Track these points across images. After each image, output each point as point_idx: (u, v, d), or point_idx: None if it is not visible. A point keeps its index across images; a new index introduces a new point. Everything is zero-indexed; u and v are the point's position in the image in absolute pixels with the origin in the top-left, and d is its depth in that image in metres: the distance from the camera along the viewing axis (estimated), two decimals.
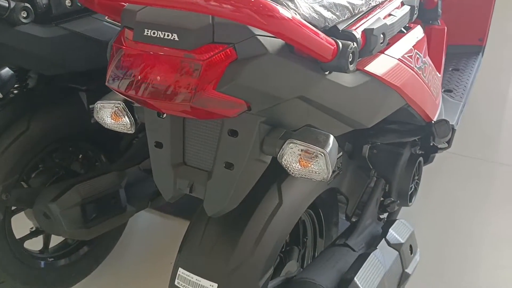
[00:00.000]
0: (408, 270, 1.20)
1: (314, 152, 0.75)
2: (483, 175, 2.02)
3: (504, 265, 1.63)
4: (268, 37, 0.71)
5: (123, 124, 0.92)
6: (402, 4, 1.02)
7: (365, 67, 0.89)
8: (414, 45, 1.07)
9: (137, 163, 1.55)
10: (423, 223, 1.79)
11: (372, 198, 1.29)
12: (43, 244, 1.61)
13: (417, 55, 1.08)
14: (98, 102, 0.94)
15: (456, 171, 2.04)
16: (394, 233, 1.20)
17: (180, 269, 0.96)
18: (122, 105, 0.90)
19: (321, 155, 0.75)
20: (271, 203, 0.99)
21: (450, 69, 1.79)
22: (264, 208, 0.98)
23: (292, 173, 0.79)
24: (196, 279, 0.93)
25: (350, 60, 0.77)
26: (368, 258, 1.06)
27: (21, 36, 1.17)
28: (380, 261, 1.08)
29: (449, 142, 1.37)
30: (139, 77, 0.71)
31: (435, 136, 1.23)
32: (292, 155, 0.76)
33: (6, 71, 1.16)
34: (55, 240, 1.65)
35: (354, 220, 1.29)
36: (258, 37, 0.70)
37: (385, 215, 1.45)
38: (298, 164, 0.77)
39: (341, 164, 1.22)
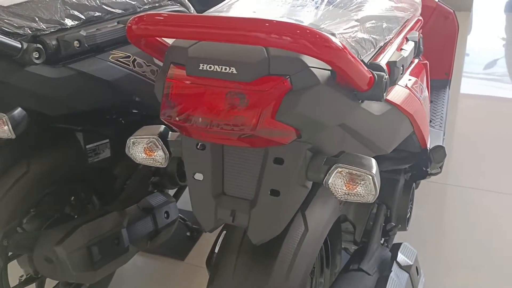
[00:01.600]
0: None
1: (361, 175, 0.80)
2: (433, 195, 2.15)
3: None
4: (318, 68, 0.76)
5: (157, 159, 0.94)
6: (407, 40, 1.12)
7: (387, 96, 0.96)
8: (419, 77, 1.16)
9: (135, 202, 1.54)
10: None
11: (377, 223, 1.35)
12: None
13: (421, 86, 1.18)
14: (131, 138, 0.95)
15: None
16: (403, 256, 1.25)
17: None
18: (156, 139, 0.92)
19: (369, 177, 0.79)
20: (299, 230, 1.02)
21: None
22: (292, 236, 1.01)
23: (338, 196, 0.83)
24: None
25: (385, 92, 0.84)
26: (389, 280, 1.10)
27: (32, 77, 1.17)
28: (397, 283, 1.13)
29: (441, 167, 1.46)
30: (197, 109, 0.74)
31: (432, 161, 1.32)
32: (339, 179, 0.81)
33: (19, 111, 1.14)
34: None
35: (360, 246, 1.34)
36: (311, 68, 0.75)
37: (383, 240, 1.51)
38: (344, 187, 0.81)
39: None
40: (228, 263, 0.99)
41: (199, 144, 0.88)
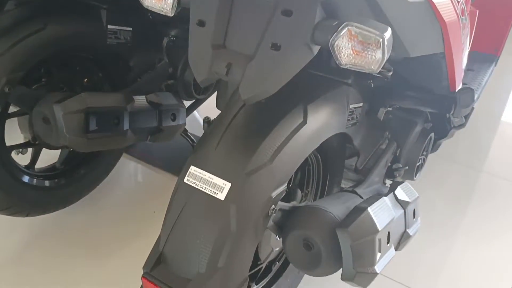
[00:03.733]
0: (410, 231, 1.17)
1: (372, 37, 0.73)
2: (468, 183, 2.04)
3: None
4: None
5: (165, 4, 0.89)
6: None
7: None
8: (467, 8, 1.07)
9: (144, 94, 1.51)
10: None
11: (383, 157, 1.28)
12: (30, 159, 1.54)
13: (463, 5, 1.08)
14: None
15: (442, 176, 2.05)
16: (402, 191, 1.17)
17: (192, 167, 0.92)
18: None
19: (379, 40, 0.73)
20: (296, 120, 0.96)
21: (465, 69, 1.81)
22: (288, 123, 0.95)
23: (341, 61, 0.77)
24: (209, 177, 0.89)
25: None
26: (380, 199, 1.04)
27: None
28: (389, 207, 1.05)
29: (466, 118, 1.37)
30: None
31: (457, 105, 1.23)
32: (346, 40, 0.74)
33: None
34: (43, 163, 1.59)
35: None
36: None
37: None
38: (350, 50, 0.75)
39: (359, 115, 1.20)
40: (214, 136, 0.94)
41: None
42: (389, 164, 1.35)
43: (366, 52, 0.74)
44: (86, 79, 1.60)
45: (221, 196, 0.87)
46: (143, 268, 0.91)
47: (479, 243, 1.70)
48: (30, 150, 1.54)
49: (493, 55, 1.94)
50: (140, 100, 1.47)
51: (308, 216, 0.98)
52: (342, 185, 1.37)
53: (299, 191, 1.22)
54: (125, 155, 2.03)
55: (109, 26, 1.49)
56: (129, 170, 2.00)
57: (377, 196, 1.06)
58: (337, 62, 0.78)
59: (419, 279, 1.52)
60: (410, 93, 1.32)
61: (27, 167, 1.52)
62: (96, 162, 1.70)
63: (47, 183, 1.56)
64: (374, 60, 0.74)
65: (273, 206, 0.91)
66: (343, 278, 0.93)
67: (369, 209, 0.94)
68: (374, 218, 0.94)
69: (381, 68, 1.29)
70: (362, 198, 1.13)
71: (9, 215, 1.47)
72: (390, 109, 1.36)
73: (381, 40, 0.73)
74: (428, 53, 1.03)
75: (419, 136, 1.37)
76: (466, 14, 1.13)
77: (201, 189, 0.89)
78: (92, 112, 1.28)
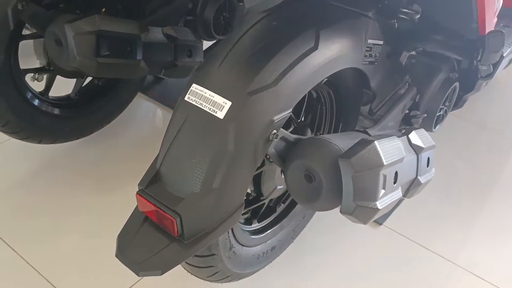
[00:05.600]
0: (421, 179, 1.12)
1: None
2: (501, 151, 1.94)
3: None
4: None
5: None
6: None
7: None
8: None
9: (161, 26, 1.47)
10: None
11: (400, 101, 1.21)
12: (45, 86, 1.54)
13: None
14: None
15: (474, 142, 1.96)
16: (416, 136, 1.11)
17: (194, 84, 0.88)
18: None
19: None
20: (306, 44, 0.91)
21: (501, 24, 1.70)
22: (297, 46, 0.90)
23: None
24: (210, 94, 0.86)
25: None
26: (390, 137, 0.98)
27: None
28: (400, 147, 1.00)
29: (494, 67, 1.28)
30: None
31: (486, 49, 1.14)
32: None
33: None
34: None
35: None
36: None
37: None
38: None
39: (378, 54, 1.14)
40: (219, 55, 0.90)
41: None
42: (407, 111, 1.29)
43: None
44: (104, 9, 1.57)
45: (221, 114, 0.84)
46: (139, 185, 0.89)
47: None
48: (45, 77, 1.53)
49: None
50: (156, 31, 1.43)
51: (311, 147, 0.93)
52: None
53: (309, 130, 1.17)
54: (142, 95, 2.02)
55: None
56: (145, 110, 1.99)
57: (388, 134, 1.00)
58: None
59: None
60: (437, 36, 1.24)
61: (41, 93, 1.52)
62: (111, 96, 1.69)
63: (60, 111, 1.56)
64: None
65: (274, 130, 0.87)
66: (342, 211, 0.89)
67: (376, 142, 0.89)
68: (380, 152, 0.89)
69: (409, 10, 1.22)
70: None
71: (20, 139, 1.48)
72: (413, 53, 1.29)
73: None
74: None
75: (442, 84, 1.30)
76: None
77: (200, 106, 0.86)
78: (104, 36, 1.25)
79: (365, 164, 0.87)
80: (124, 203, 1.46)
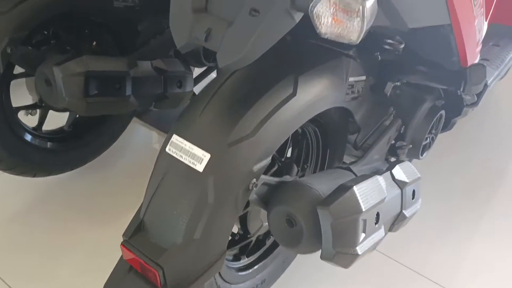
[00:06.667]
0: (406, 213, 1.13)
1: (352, 3, 0.68)
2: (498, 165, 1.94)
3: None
4: None
5: None
6: None
7: None
8: None
9: (150, 59, 1.49)
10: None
11: (385, 134, 1.23)
12: (38, 121, 1.56)
13: None
14: None
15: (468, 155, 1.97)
16: (401, 170, 1.13)
17: (174, 135, 0.90)
18: None
19: (360, 8, 0.68)
20: (285, 91, 0.93)
21: (490, 44, 1.70)
22: (276, 94, 0.92)
23: (321, 30, 0.72)
24: (189, 147, 0.87)
25: None
26: (371, 178, 0.99)
27: None
28: (381, 186, 1.01)
29: (478, 97, 1.29)
30: None
31: (468, 81, 1.16)
32: (327, 7, 0.69)
33: None
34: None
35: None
36: None
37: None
38: (331, 18, 0.70)
39: (361, 89, 1.15)
40: (199, 104, 0.92)
41: None
42: (393, 141, 1.30)
43: (346, 20, 0.69)
44: (94, 43, 1.59)
45: (200, 167, 0.86)
46: (123, 235, 0.91)
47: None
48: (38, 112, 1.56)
49: None
50: (145, 65, 1.45)
51: (292, 192, 0.95)
52: (346, 161, 1.33)
53: (295, 166, 1.18)
54: (137, 120, 2.03)
55: None
56: (140, 136, 2.01)
57: (369, 175, 1.02)
58: (317, 31, 0.73)
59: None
60: (420, 67, 1.26)
61: (34, 128, 1.55)
62: (104, 128, 1.71)
63: (53, 145, 1.58)
64: (353, 29, 0.69)
65: (254, 179, 0.89)
66: (322, 257, 0.91)
67: (354, 187, 0.91)
68: (359, 198, 0.90)
69: (392, 41, 1.24)
70: (356, 175, 1.09)
71: (16, 174, 1.51)
72: (398, 84, 1.30)
73: (361, 8, 0.67)
74: (431, 25, 0.96)
75: (427, 113, 1.31)
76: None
77: (180, 159, 0.87)
78: (93, 76, 1.28)
79: (343, 211, 0.88)
80: (117, 238, 1.48)
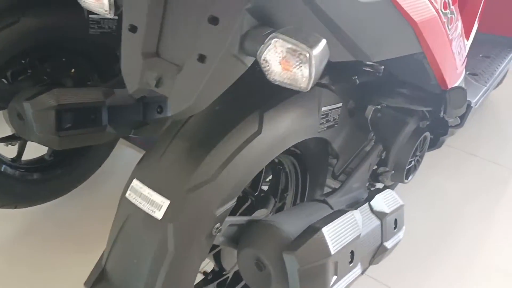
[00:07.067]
0: (387, 245, 1.09)
1: (299, 51, 0.64)
2: (495, 180, 1.89)
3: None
4: None
5: (101, 4, 0.83)
6: None
7: None
8: (455, 2, 0.95)
9: None
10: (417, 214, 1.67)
11: (365, 161, 1.18)
12: (17, 152, 1.54)
13: (452, 12, 0.96)
14: None
15: (467, 171, 1.91)
16: (380, 200, 1.08)
17: (134, 180, 0.87)
18: None
19: (306, 55, 0.64)
20: (249, 130, 0.89)
21: (481, 55, 1.65)
22: (239, 133, 0.88)
23: (270, 77, 0.68)
24: (148, 193, 0.84)
25: None
26: (344, 214, 0.95)
27: None
28: (356, 222, 0.97)
29: (462, 119, 1.24)
30: None
31: (448, 105, 1.11)
32: (274, 54, 0.66)
33: None
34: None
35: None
36: None
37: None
38: (279, 65, 0.66)
39: (338, 117, 1.11)
40: (160, 146, 0.89)
41: None
42: (376, 166, 1.26)
43: (294, 67, 0.65)
44: (73, 70, 1.56)
45: (159, 214, 0.82)
46: (84, 284, 0.88)
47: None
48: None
49: None
50: (122, 92, 1.42)
51: (259, 234, 0.91)
52: (329, 188, 1.29)
53: (272, 199, 1.14)
54: (124, 141, 2.00)
55: (90, 16, 1.44)
56: (126, 158, 1.98)
57: (344, 210, 0.97)
58: (268, 78, 0.69)
59: None
60: (401, 90, 1.21)
61: (13, 160, 1.53)
62: (88, 154, 1.68)
63: (34, 175, 1.56)
64: (302, 77, 0.65)
65: (217, 224, 0.85)
66: None
67: (323, 229, 0.87)
68: (328, 240, 0.86)
69: (374, 62, 1.19)
70: (332, 209, 1.05)
71: None
72: (379, 107, 1.26)
73: (307, 55, 0.63)
74: (401, 55, 0.92)
75: (410, 136, 1.26)
76: (451, 6, 1.00)
77: (140, 206, 0.84)
78: (65, 109, 1.25)
79: (311, 256, 0.84)
80: None
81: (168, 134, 0.90)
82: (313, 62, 0.63)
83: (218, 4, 0.68)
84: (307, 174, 1.22)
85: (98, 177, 1.77)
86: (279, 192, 1.20)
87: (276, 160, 1.18)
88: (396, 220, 1.12)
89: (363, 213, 1.03)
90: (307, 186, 1.24)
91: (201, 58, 0.71)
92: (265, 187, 1.21)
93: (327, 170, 1.24)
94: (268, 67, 0.67)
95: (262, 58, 0.66)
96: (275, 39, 0.65)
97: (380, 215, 1.06)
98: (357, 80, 1.17)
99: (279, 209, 1.22)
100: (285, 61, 0.65)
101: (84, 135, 1.31)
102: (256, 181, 1.12)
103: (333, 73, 1.08)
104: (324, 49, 0.65)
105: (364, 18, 0.78)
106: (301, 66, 0.64)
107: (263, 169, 1.11)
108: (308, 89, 0.67)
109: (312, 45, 0.64)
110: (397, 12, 0.82)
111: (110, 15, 0.84)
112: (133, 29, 0.77)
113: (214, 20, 0.69)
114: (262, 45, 0.66)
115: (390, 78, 1.19)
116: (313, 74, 0.64)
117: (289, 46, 0.64)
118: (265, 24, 0.70)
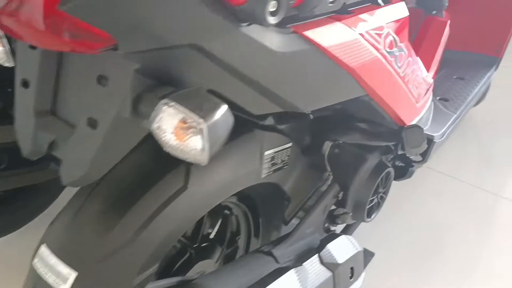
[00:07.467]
0: None
1: (191, 121, 0.55)
2: (478, 205, 1.79)
3: None
4: None
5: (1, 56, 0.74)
6: None
7: (305, 31, 0.68)
8: (388, 22, 0.85)
9: None
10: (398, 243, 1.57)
11: (319, 203, 1.09)
12: None
13: (390, 36, 0.86)
14: None
15: (447, 194, 1.82)
16: (331, 250, 0.99)
17: (42, 246, 0.78)
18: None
19: (197, 127, 0.54)
20: (173, 185, 0.80)
21: (455, 77, 1.56)
22: (162, 190, 0.79)
23: (164, 147, 0.59)
24: (55, 262, 0.75)
25: (272, 9, 0.57)
26: (285, 274, 0.86)
27: None
28: (300, 280, 0.88)
29: (424, 156, 1.15)
30: None
31: (405, 144, 1.02)
32: (167, 122, 0.57)
33: None
34: None
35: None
36: None
37: (339, 228, 1.25)
38: (173, 135, 0.57)
39: (287, 158, 1.02)
40: (73, 207, 0.80)
41: None
42: (334, 207, 1.16)
43: (187, 139, 0.56)
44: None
45: None
46: None
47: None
48: None
49: (494, 57, 1.67)
50: None
51: None
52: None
53: (218, 248, 1.05)
54: None
55: None
56: None
57: (283, 269, 0.88)
58: (164, 149, 0.60)
59: None
60: (360, 125, 1.12)
61: None
62: (36, 191, 1.57)
63: None
64: (197, 150, 0.56)
65: None
66: None
67: None
68: None
69: None
70: (278, 262, 0.96)
71: None
72: (337, 142, 1.16)
73: (199, 127, 0.54)
74: (343, 100, 0.83)
75: (371, 173, 1.16)
76: (400, 44, 0.91)
77: (45, 277, 0.75)
78: None
79: None
80: None
81: (83, 190, 0.81)
82: (205, 133, 0.54)
83: (107, 62, 0.59)
84: (259, 217, 1.13)
85: (59, 203, 1.67)
86: (226, 239, 1.10)
87: (223, 204, 1.09)
88: (352, 268, 1.03)
89: (311, 267, 0.94)
90: (260, 229, 1.15)
91: (92, 122, 0.62)
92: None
93: (282, 212, 1.15)
94: (161, 136, 0.58)
95: (154, 126, 0.57)
96: (165, 106, 0.56)
97: (331, 267, 0.97)
98: (310, 115, 1.08)
99: (230, 255, 1.13)
100: (179, 132, 0.56)
101: (23, 174, 1.23)
102: (196, 232, 1.03)
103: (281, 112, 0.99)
104: (224, 116, 0.56)
105: (287, 69, 0.69)
106: (195, 138, 0.55)
107: (203, 217, 1.02)
108: (206, 163, 0.58)
109: (205, 115, 0.55)
110: (329, 60, 0.73)
111: (10, 64, 0.75)
112: (25, 84, 0.68)
113: (103, 80, 0.60)
114: (153, 111, 0.57)
115: (347, 113, 1.10)
116: (206, 147, 0.55)
117: (180, 115, 0.55)
118: (165, 83, 0.61)
